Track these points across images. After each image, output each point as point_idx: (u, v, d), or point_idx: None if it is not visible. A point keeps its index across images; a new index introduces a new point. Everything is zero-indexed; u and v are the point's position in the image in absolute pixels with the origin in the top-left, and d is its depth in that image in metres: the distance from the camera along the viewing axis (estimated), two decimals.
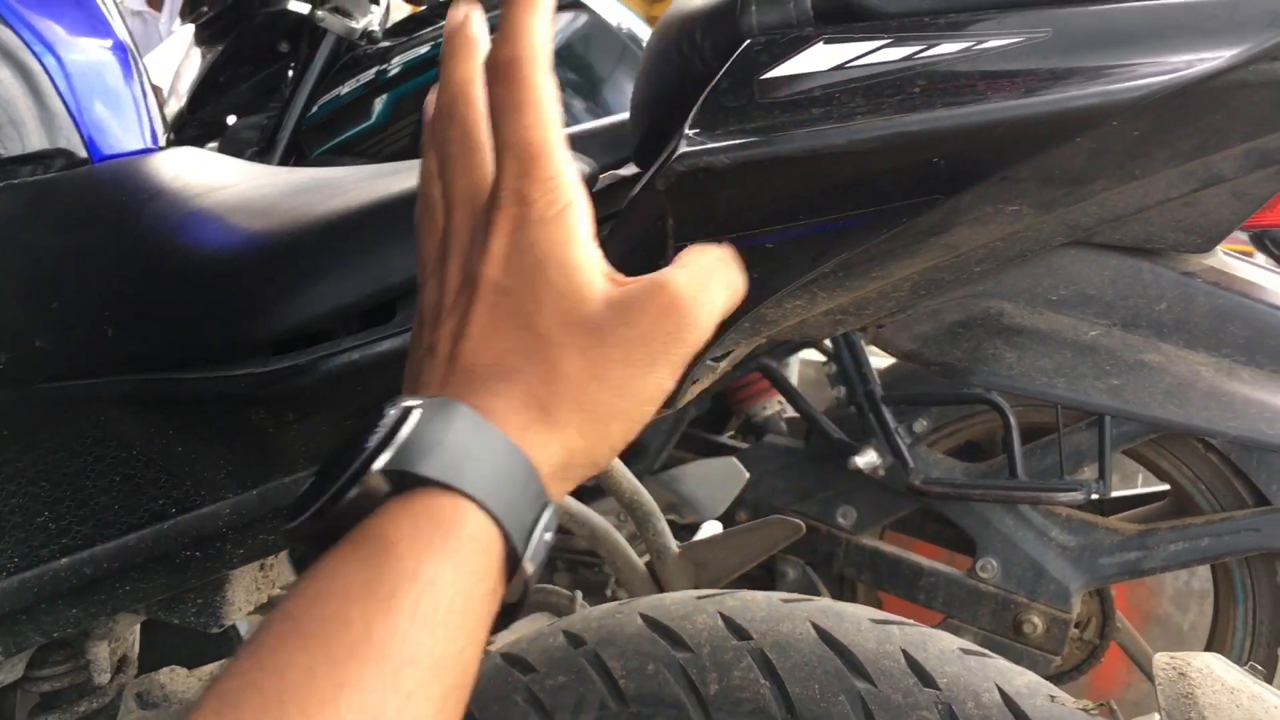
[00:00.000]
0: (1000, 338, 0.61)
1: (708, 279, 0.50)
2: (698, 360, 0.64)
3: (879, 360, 1.97)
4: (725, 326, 0.61)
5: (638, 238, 0.59)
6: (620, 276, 0.49)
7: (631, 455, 1.96)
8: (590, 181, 0.64)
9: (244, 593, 0.83)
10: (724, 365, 0.67)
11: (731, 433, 2.26)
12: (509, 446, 0.44)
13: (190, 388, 0.68)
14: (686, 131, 0.53)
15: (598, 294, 0.47)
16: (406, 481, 0.41)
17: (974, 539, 1.81)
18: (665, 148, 0.61)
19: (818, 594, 1.82)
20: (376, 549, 0.40)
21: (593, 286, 0.47)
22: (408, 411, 0.43)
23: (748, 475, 1.90)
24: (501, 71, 0.47)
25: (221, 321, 0.67)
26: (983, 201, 0.56)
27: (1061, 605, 1.74)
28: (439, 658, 0.40)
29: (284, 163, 2.09)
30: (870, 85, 0.51)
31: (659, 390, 0.49)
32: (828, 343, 2.00)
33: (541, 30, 0.47)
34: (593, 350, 0.47)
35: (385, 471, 0.41)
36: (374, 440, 0.42)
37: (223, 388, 0.66)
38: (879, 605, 1.75)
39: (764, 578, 1.99)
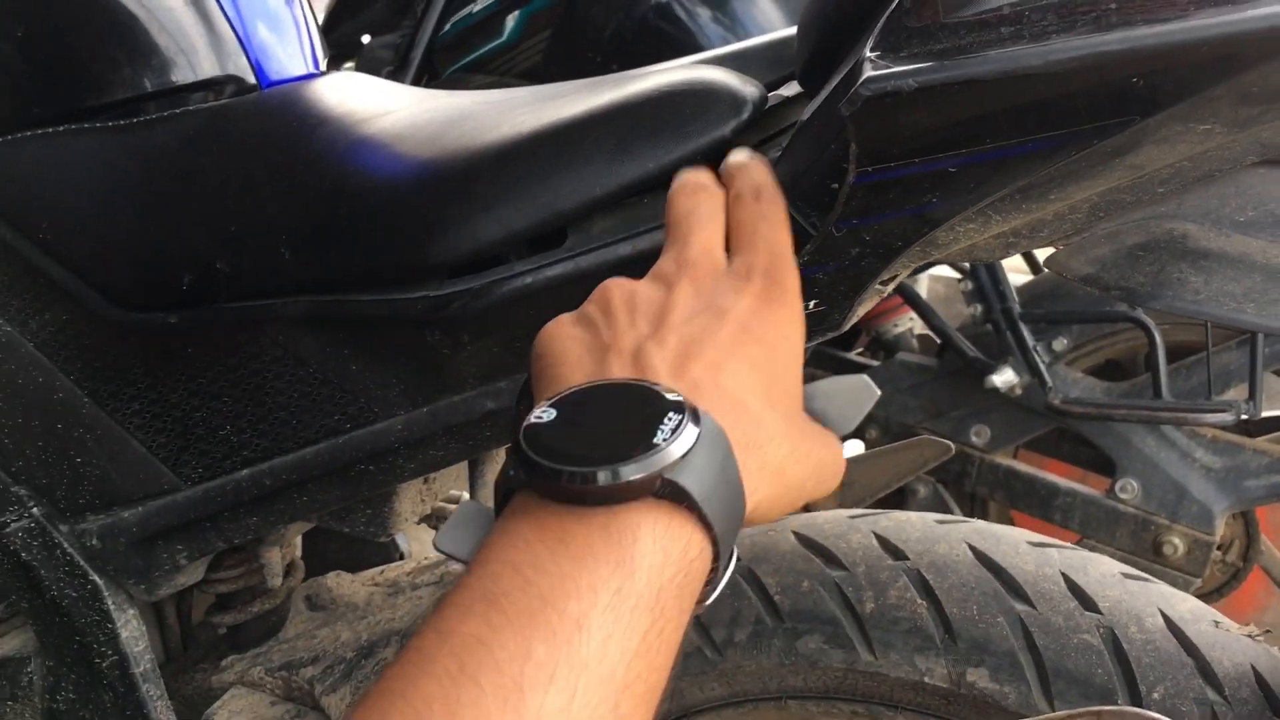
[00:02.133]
0: (1185, 261, 0.59)
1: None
2: (866, 286, 0.64)
3: (1017, 277, 1.92)
4: (897, 252, 0.61)
5: (810, 161, 0.58)
6: None
7: None
8: (759, 104, 0.63)
9: (409, 504, 0.86)
10: (890, 288, 0.67)
11: (861, 349, 2.24)
12: (741, 491, 0.44)
13: (366, 309, 0.71)
14: (868, 54, 0.52)
15: (802, 405, 0.52)
16: (667, 491, 0.41)
17: (1113, 459, 1.77)
18: (834, 69, 0.60)
19: (948, 512, 1.81)
20: (625, 556, 0.40)
21: (800, 396, 0.52)
22: (685, 418, 0.42)
23: (879, 393, 1.88)
24: (758, 192, 0.54)
25: (395, 246, 0.69)
26: (1173, 121, 0.54)
27: (1204, 527, 1.70)
28: (649, 688, 0.40)
29: (416, 82, 2.11)
30: (1063, 2, 0.50)
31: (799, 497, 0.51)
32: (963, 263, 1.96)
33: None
34: (796, 448, 0.49)
35: (662, 476, 0.41)
36: (662, 439, 0.41)
37: (398, 310, 0.69)
38: (1011, 524, 1.74)
39: (893, 496, 1.98)
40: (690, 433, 0.42)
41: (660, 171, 0.62)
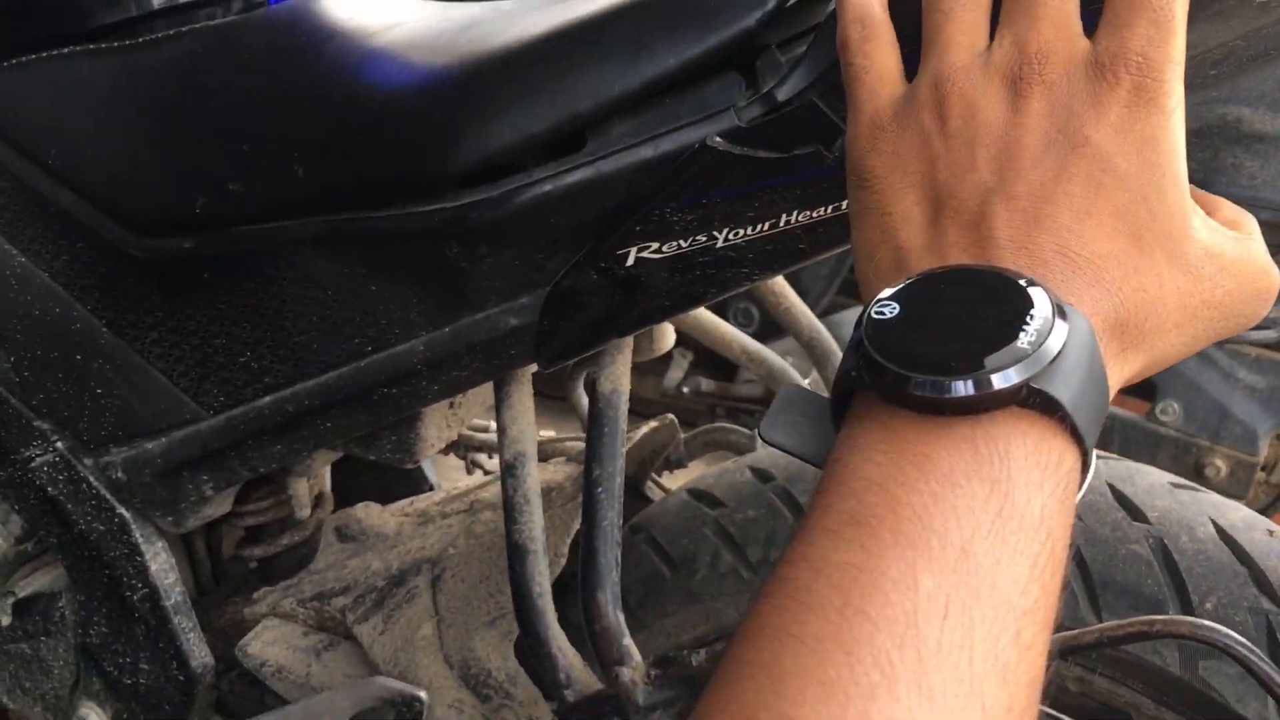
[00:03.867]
0: (1239, 145, 0.56)
1: None
2: None
3: None
4: None
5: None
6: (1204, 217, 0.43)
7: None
8: None
9: (435, 429, 0.85)
10: None
11: None
12: (1106, 389, 0.39)
13: (382, 225, 0.68)
14: None
15: (1198, 231, 0.41)
16: (1036, 401, 0.36)
17: (1154, 382, 1.73)
18: None
19: None
20: (1000, 475, 0.36)
21: (1195, 219, 0.41)
22: (1052, 314, 0.37)
23: None
24: None
25: (409, 158, 0.66)
26: None
27: (1247, 448, 1.67)
28: (1049, 612, 0.37)
29: None
30: None
31: (1197, 349, 0.44)
32: None
33: None
34: (1187, 298, 0.41)
35: (1029, 384, 0.36)
36: (1026, 341, 0.36)
37: (414, 224, 0.66)
38: None
39: None
40: (1059, 332, 0.36)
41: (681, 67, 0.58)
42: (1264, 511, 1.78)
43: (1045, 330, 0.36)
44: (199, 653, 0.92)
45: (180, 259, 0.78)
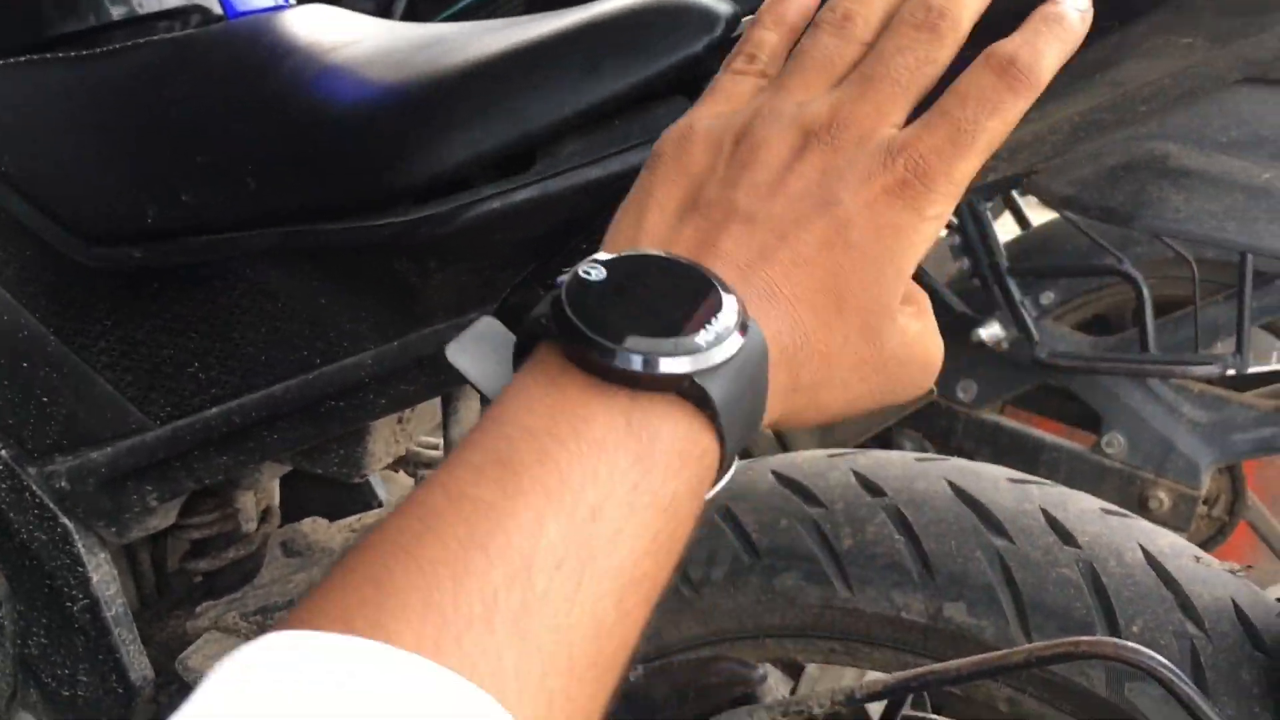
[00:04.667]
0: (1166, 180, 0.58)
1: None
2: None
3: (1005, 233, 1.91)
4: None
5: None
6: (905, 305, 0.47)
7: None
8: (732, 21, 0.61)
9: (383, 444, 0.85)
10: None
11: None
12: (761, 408, 0.42)
13: (333, 238, 0.69)
14: None
15: (895, 318, 0.45)
16: (694, 394, 0.39)
17: (1099, 414, 1.77)
18: None
19: None
20: (645, 452, 0.38)
21: (895, 309, 0.45)
22: (734, 326, 0.39)
23: None
24: (1007, 66, 0.43)
25: (362, 172, 0.67)
26: (1154, 33, 0.53)
27: (1190, 482, 1.70)
28: (654, 588, 0.39)
29: None
30: None
31: (857, 409, 0.48)
32: (951, 216, 1.94)
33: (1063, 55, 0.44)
34: (863, 365, 0.45)
35: (692, 377, 0.38)
36: (704, 339, 0.39)
37: (365, 238, 0.67)
38: None
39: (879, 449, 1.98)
40: (733, 342, 0.39)
41: (630, 91, 0.60)
42: (1207, 545, 1.81)
43: (724, 336, 0.39)
44: (139, 665, 0.91)
45: (130, 269, 0.78)
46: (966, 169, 0.43)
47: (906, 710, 0.88)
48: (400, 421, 0.86)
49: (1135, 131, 0.60)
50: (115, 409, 0.83)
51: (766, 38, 0.51)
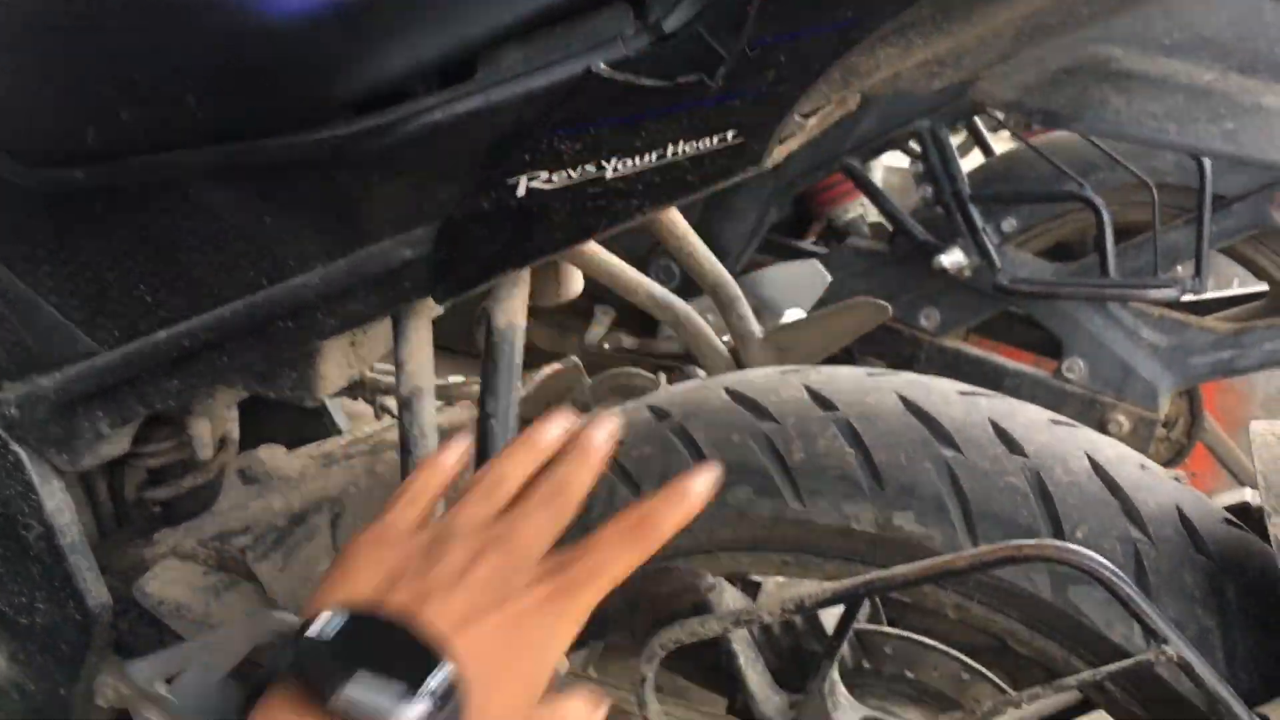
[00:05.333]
0: (1108, 83, 0.58)
1: None
2: (785, 115, 0.62)
3: (967, 161, 1.91)
4: (815, 75, 0.59)
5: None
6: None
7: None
8: None
9: (335, 366, 0.85)
10: (813, 123, 0.65)
11: (813, 238, 2.23)
12: None
13: (274, 154, 0.68)
14: None
15: (540, 692, 0.52)
16: None
17: (1060, 340, 1.78)
18: None
19: None
20: None
21: (543, 685, 0.53)
22: (436, 687, 0.47)
23: (829, 278, 1.88)
24: (640, 516, 0.54)
25: (301, 84, 0.66)
26: None
27: (1149, 405, 1.72)
28: None
29: None
30: None
31: None
32: (914, 144, 1.94)
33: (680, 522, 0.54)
34: None
35: None
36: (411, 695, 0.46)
37: (305, 152, 0.66)
38: None
39: None
40: (428, 702, 0.46)
41: None
42: (1166, 465, 1.84)
43: (428, 693, 0.46)
44: (96, 591, 0.91)
45: (72, 191, 0.77)
46: (598, 591, 0.53)
47: (860, 624, 0.90)
48: (353, 345, 0.86)
49: (1079, 35, 0.60)
50: (63, 334, 0.82)
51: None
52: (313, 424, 1.18)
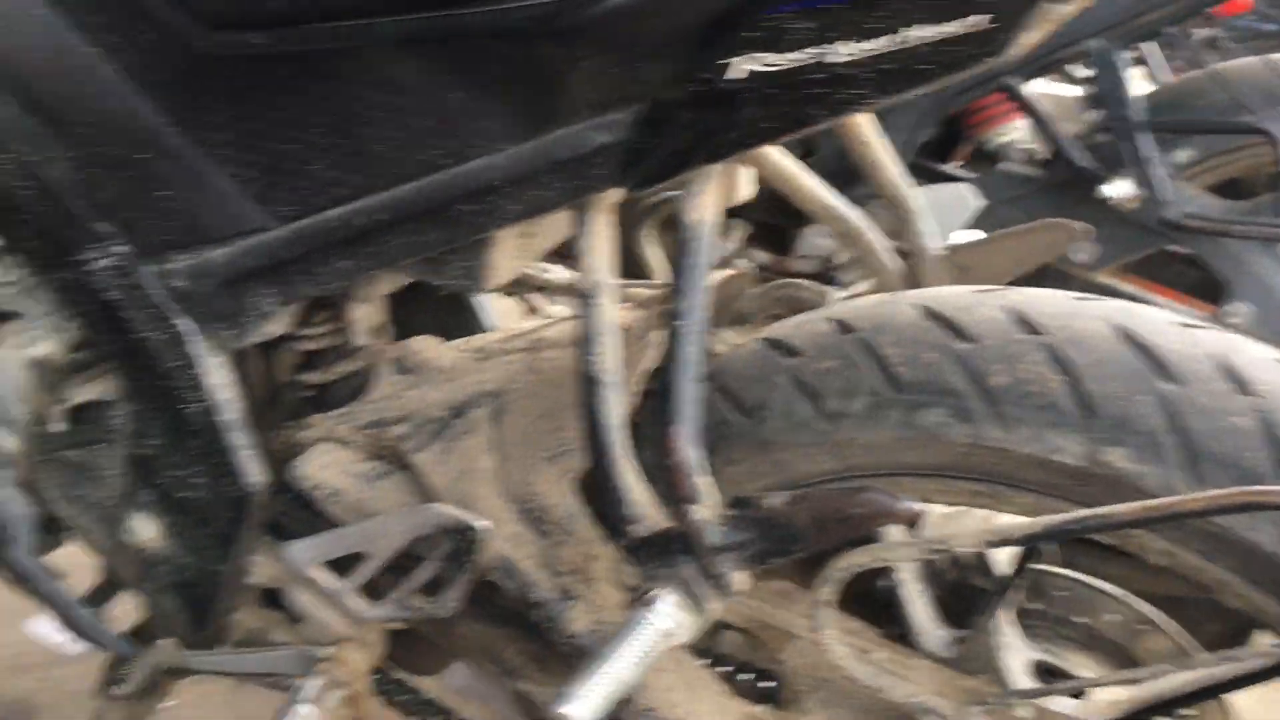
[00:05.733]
0: None
1: None
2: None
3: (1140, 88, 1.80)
4: None
5: None
6: None
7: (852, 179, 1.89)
8: None
9: (506, 257, 0.82)
10: (1070, 9, 0.59)
11: (960, 162, 2.13)
12: None
13: (472, 23, 0.64)
14: None
15: None
16: None
17: (1225, 282, 1.68)
18: None
19: None
20: None
21: None
22: None
23: (977, 203, 1.80)
24: None
25: None
26: None
27: None
28: None
29: None
30: None
31: None
32: (1082, 69, 1.84)
33: None
34: None
35: None
36: None
37: (512, 21, 0.62)
38: None
39: None
40: None
41: None
42: None
43: None
44: (253, 470, 0.91)
45: (253, 56, 0.74)
46: None
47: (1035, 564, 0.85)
48: (523, 236, 0.83)
49: None
50: (236, 206, 0.81)
51: None
52: (462, 319, 1.16)
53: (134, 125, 0.80)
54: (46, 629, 1.49)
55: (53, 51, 0.80)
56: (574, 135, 0.67)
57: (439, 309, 1.14)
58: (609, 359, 0.73)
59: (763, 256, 1.97)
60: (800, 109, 0.61)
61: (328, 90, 0.74)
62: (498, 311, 1.18)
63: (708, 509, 0.67)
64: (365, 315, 0.97)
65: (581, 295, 0.74)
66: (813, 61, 0.58)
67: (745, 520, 0.67)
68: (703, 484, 0.68)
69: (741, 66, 0.59)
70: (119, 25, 0.77)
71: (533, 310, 1.18)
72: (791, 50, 0.58)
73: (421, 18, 0.67)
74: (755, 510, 0.66)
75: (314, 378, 0.99)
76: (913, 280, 0.97)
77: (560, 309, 1.18)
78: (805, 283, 0.98)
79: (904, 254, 1.01)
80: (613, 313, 0.73)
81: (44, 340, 1.02)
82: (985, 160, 2.03)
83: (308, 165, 0.77)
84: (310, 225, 0.79)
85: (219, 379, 0.89)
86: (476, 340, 1.04)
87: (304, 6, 0.71)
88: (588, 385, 0.72)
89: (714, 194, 0.70)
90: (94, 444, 0.98)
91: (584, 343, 0.73)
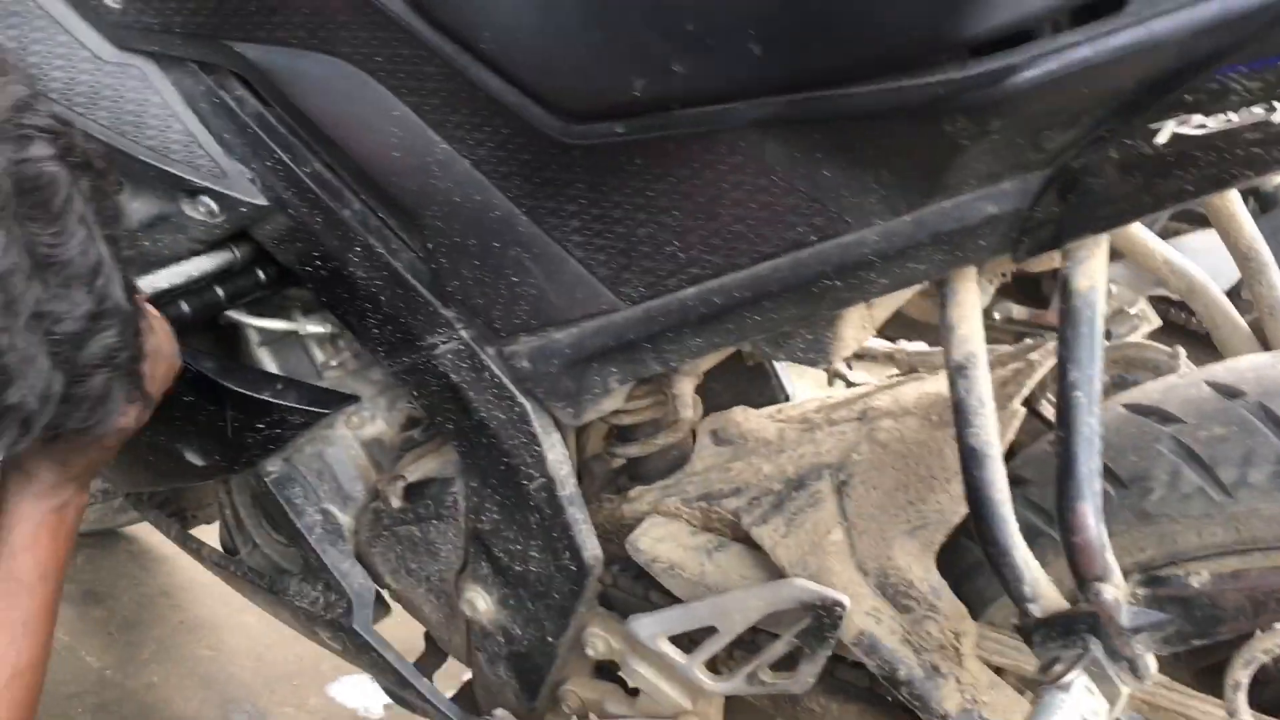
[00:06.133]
0: None
1: None
2: None
3: None
4: None
5: None
6: None
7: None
8: None
9: (853, 330, 0.81)
10: None
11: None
12: None
13: (860, 102, 0.64)
14: None
15: None
16: None
17: None
18: None
19: None
20: None
21: None
22: None
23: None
24: None
25: (904, 25, 0.61)
26: None
27: None
28: None
29: None
30: None
31: None
32: None
33: None
34: None
35: None
36: None
37: (906, 99, 0.62)
38: None
39: None
40: None
41: None
42: None
43: None
44: (590, 545, 0.93)
45: (610, 145, 0.76)
46: None
47: None
48: (869, 305, 0.82)
49: None
50: (585, 289, 0.83)
51: None
52: (761, 387, 1.15)
53: (485, 216, 0.84)
54: (351, 693, 1.56)
55: (408, 149, 0.84)
56: (960, 206, 0.66)
57: (740, 378, 1.14)
58: (988, 431, 0.70)
59: (1019, 310, 1.90)
60: (1226, 169, 0.58)
61: (688, 174, 0.75)
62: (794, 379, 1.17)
63: (1118, 588, 0.64)
64: (690, 387, 0.98)
65: (954, 368, 0.72)
66: (1253, 121, 0.55)
67: (1161, 600, 0.63)
68: (1112, 561, 0.65)
69: (1171, 129, 0.56)
70: (477, 122, 0.81)
71: (837, 375, 1.17)
72: (1231, 110, 0.55)
73: (793, 100, 0.68)
74: (1172, 589, 0.63)
75: (632, 450, 1.00)
76: (1262, 339, 0.92)
77: (863, 376, 1.16)
78: (1153, 344, 0.93)
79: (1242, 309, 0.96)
80: (987, 384, 0.71)
81: (377, 420, 1.07)
82: (1260, 199, 1.91)
83: (663, 247, 0.78)
84: (661, 306, 0.80)
85: (558, 455, 0.91)
86: (790, 409, 1.03)
87: (666, 94, 0.72)
88: (971, 458, 0.70)
89: (1104, 257, 0.68)
90: (431, 520, 1.01)
91: (962, 416, 0.71)
